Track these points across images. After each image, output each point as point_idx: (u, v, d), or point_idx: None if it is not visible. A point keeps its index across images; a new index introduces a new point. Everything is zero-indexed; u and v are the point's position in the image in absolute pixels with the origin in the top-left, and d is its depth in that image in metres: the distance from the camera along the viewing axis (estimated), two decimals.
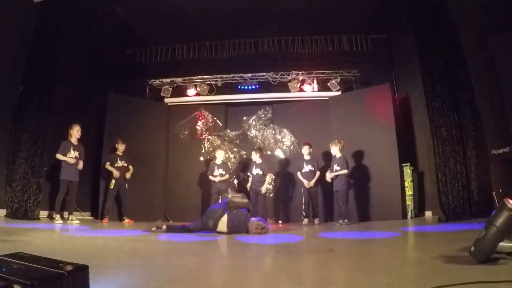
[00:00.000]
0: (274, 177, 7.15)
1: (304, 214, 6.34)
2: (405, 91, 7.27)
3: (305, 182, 6.36)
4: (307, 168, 6.41)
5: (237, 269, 2.45)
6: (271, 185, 7.28)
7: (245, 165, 7.63)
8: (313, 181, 6.35)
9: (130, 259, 2.63)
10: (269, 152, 7.69)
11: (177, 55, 8.20)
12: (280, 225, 6.71)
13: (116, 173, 6.41)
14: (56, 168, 5.94)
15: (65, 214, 5.76)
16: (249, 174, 6.75)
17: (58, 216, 5.51)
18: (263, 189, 6.45)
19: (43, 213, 5.92)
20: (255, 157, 6.67)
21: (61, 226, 5.18)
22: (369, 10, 7.14)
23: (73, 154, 5.79)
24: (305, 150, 6.50)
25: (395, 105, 6.87)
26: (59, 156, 5.69)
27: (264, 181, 6.51)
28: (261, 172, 6.54)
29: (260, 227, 4.40)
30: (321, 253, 3.02)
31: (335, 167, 6.08)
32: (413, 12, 5.90)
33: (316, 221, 6.36)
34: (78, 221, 5.70)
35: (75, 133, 5.85)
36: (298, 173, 6.52)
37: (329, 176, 6.10)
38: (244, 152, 7.67)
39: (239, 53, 8.13)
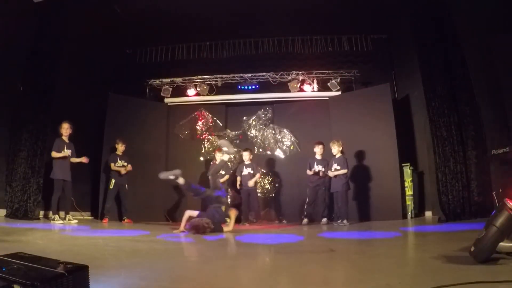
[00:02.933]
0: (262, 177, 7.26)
1: (305, 213, 6.34)
2: (405, 91, 7.27)
3: (318, 168, 6.31)
4: (317, 168, 6.38)
5: (237, 269, 2.45)
6: (268, 185, 7.32)
7: None
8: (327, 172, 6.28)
9: (130, 259, 2.63)
10: (269, 152, 7.69)
11: (177, 55, 8.19)
12: (284, 224, 6.72)
13: (128, 168, 6.51)
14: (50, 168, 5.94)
15: (62, 214, 5.74)
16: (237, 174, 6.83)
17: (56, 216, 5.50)
18: (250, 183, 6.54)
19: (43, 213, 5.92)
20: (246, 157, 6.70)
21: (60, 226, 5.18)
22: (369, 10, 7.13)
23: (66, 152, 5.78)
24: (319, 149, 6.40)
25: (395, 105, 6.86)
26: (54, 154, 5.67)
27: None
28: (252, 172, 6.55)
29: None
30: (321, 253, 3.02)
31: (335, 166, 6.07)
32: (413, 12, 5.89)
33: (324, 220, 6.32)
34: (76, 221, 5.70)
35: (65, 130, 5.83)
36: (308, 171, 6.47)
37: (331, 173, 6.09)
38: None
39: (239, 53, 8.12)
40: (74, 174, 5.92)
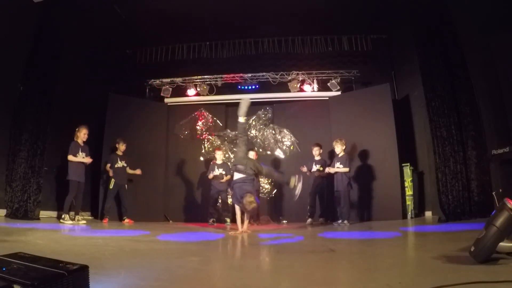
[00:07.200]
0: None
1: (308, 214, 6.34)
2: (405, 91, 7.27)
3: (315, 168, 6.40)
4: (315, 168, 6.43)
5: (237, 269, 2.45)
6: (268, 185, 7.35)
7: None
8: (324, 170, 6.36)
9: (130, 259, 2.63)
10: (269, 152, 7.69)
11: (177, 55, 8.19)
12: (284, 224, 6.72)
13: (131, 171, 6.57)
14: (57, 168, 5.95)
15: (71, 214, 5.75)
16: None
17: (67, 216, 5.52)
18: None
19: (44, 213, 5.91)
20: (251, 157, 6.70)
21: (67, 226, 5.19)
22: (369, 10, 7.13)
23: (81, 155, 5.83)
24: (316, 151, 6.50)
25: (395, 105, 6.87)
26: (71, 158, 5.71)
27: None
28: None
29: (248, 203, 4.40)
30: (321, 253, 3.02)
31: (338, 165, 6.08)
32: (413, 12, 5.89)
33: (321, 220, 6.35)
34: (84, 221, 5.73)
35: (82, 135, 5.90)
36: (302, 168, 6.51)
37: (332, 169, 6.10)
38: None
39: (239, 53, 8.12)
40: None
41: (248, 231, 4.82)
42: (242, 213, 4.80)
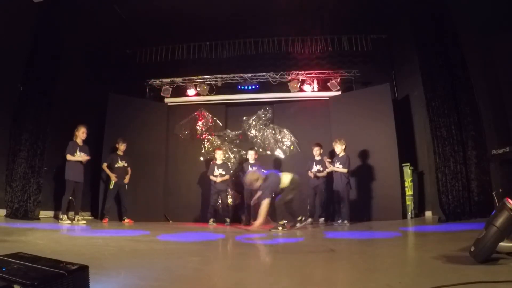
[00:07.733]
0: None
1: (308, 214, 6.34)
2: (405, 91, 7.28)
3: (315, 169, 6.39)
4: (315, 168, 6.43)
5: (237, 269, 2.45)
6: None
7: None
8: (323, 173, 6.36)
9: (130, 259, 2.63)
10: (269, 152, 7.69)
11: (177, 55, 8.19)
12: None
13: (113, 178, 6.41)
14: (57, 168, 5.96)
15: (71, 214, 5.77)
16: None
17: (65, 217, 5.53)
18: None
19: (44, 213, 5.92)
20: (251, 156, 6.71)
21: (66, 226, 5.19)
22: (369, 10, 7.13)
23: (79, 154, 5.84)
24: (316, 151, 6.48)
25: (395, 105, 6.87)
26: (69, 157, 5.73)
27: None
28: None
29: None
30: (321, 253, 3.02)
31: (337, 165, 6.09)
32: (413, 12, 5.90)
33: (322, 220, 6.36)
34: (84, 221, 5.73)
35: (81, 134, 5.91)
36: (309, 172, 6.51)
37: (330, 168, 6.12)
38: (244, 152, 7.68)
39: (239, 53, 8.12)
40: None
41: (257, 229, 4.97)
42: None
